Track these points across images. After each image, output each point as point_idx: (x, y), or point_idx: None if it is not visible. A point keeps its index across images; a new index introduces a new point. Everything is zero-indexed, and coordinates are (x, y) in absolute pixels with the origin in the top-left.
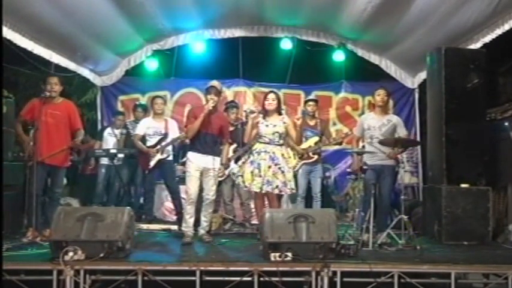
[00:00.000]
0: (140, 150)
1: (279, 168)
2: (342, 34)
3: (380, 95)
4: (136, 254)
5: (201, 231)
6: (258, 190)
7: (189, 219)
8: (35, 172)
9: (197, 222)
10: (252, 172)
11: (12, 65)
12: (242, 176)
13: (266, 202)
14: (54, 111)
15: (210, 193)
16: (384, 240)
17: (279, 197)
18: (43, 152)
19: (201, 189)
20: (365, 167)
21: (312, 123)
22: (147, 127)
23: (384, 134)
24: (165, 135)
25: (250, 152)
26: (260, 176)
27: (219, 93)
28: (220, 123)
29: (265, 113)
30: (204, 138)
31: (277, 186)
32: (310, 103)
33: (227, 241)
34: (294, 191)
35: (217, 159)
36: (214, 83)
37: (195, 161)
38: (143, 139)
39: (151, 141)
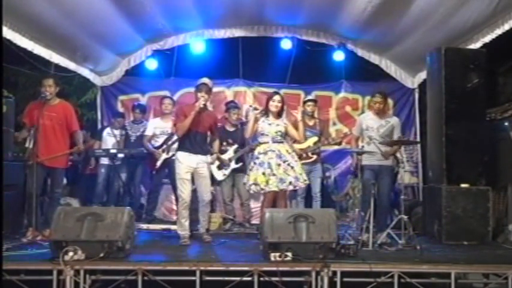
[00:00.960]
0: (147, 151)
1: (288, 164)
2: (342, 34)
3: (376, 104)
4: (136, 254)
5: (201, 230)
6: (276, 189)
7: (185, 223)
8: (35, 172)
9: (194, 223)
10: (264, 173)
11: (12, 65)
12: (255, 182)
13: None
14: (50, 113)
15: (205, 195)
16: (384, 240)
17: (288, 194)
18: (41, 154)
19: (195, 188)
20: (362, 163)
21: (310, 123)
22: (154, 127)
23: (381, 135)
24: (171, 135)
25: (255, 157)
26: (274, 175)
27: (209, 90)
28: (210, 122)
29: (267, 113)
30: (194, 137)
31: (290, 183)
32: (309, 103)
33: (227, 241)
34: (307, 182)
35: (208, 158)
36: (205, 80)
37: (185, 161)
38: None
39: (158, 142)
